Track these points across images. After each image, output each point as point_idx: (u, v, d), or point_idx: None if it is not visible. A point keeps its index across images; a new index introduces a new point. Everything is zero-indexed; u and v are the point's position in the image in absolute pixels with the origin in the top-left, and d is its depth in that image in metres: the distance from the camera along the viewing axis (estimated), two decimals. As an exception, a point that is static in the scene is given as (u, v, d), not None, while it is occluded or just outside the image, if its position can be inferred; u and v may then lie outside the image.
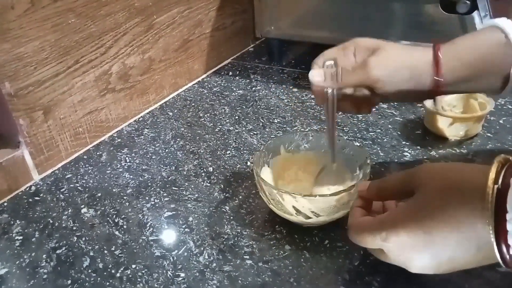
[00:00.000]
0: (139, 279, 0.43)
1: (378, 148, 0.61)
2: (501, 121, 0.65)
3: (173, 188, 0.56)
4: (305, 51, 0.98)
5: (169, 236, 0.49)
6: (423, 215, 0.32)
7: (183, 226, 0.50)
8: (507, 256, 0.29)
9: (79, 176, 0.60)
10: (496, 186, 0.29)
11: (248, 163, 0.60)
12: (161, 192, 0.56)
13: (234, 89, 0.82)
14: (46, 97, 0.60)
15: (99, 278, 0.44)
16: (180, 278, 0.43)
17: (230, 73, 0.90)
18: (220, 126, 0.70)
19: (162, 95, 0.80)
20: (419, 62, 0.42)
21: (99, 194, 0.56)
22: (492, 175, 0.29)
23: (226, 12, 0.92)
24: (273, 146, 0.53)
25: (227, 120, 0.72)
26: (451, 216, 0.31)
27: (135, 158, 0.63)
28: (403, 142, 0.62)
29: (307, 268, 0.43)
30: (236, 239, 0.47)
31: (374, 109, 0.68)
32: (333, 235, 0.47)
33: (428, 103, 0.62)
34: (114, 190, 0.57)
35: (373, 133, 0.65)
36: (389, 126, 0.66)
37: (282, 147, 0.54)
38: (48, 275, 0.45)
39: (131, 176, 0.59)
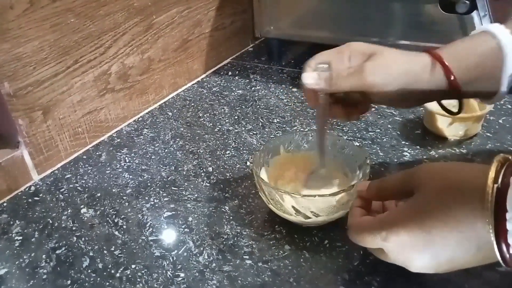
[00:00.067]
0: (138, 279, 0.43)
1: (378, 148, 0.61)
2: (500, 121, 0.65)
3: (173, 188, 0.56)
4: (304, 51, 0.98)
5: (168, 236, 0.49)
6: (423, 215, 0.32)
7: (183, 226, 0.50)
8: (507, 255, 0.29)
9: (78, 176, 0.60)
10: (495, 186, 0.29)
11: (248, 163, 0.60)
12: (161, 192, 0.56)
13: (234, 89, 0.82)
14: (45, 97, 0.59)
15: (98, 278, 0.44)
16: (180, 278, 0.43)
17: (230, 73, 0.90)
18: (219, 126, 0.70)
19: (161, 95, 0.80)
20: (415, 69, 0.42)
21: (99, 194, 0.56)
22: (491, 174, 0.29)
23: (226, 12, 0.92)
24: (273, 146, 0.53)
25: (227, 120, 0.72)
26: (450, 216, 0.31)
27: (134, 158, 0.63)
28: (403, 142, 0.62)
29: (306, 268, 0.43)
30: (235, 239, 0.47)
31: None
32: (333, 235, 0.47)
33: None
34: (113, 190, 0.57)
35: (372, 133, 0.65)
36: (389, 126, 0.66)
37: (281, 147, 0.54)
38: (48, 275, 0.45)
39: (130, 176, 0.59)
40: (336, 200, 0.44)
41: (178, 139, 0.67)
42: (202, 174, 0.59)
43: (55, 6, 0.57)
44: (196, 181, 0.57)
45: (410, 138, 0.63)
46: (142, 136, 0.69)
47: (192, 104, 0.78)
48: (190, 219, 0.51)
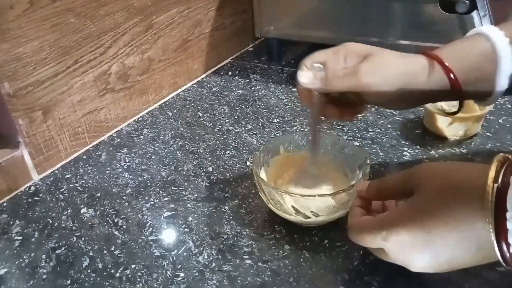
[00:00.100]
0: (138, 279, 0.43)
1: (378, 148, 0.61)
2: (500, 121, 0.65)
3: (173, 188, 0.56)
4: (304, 51, 0.98)
5: (168, 236, 0.49)
6: (423, 214, 0.32)
7: (183, 226, 0.50)
8: (507, 255, 0.29)
9: (78, 176, 0.60)
10: (496, 185, 0.29)
11: (248, 163, 0.60)
12: (161, 192, 0.56)
13: (234, 89, 0.82)
14: (45, 97, 0.60)
15: (98, 278, 0.44)
16: (180, 278, 0.43)
17: (230, 73, 0.90)
18: (219, 126, 0.70)
19: (161, 95, 0.80)
20: (410, 71, 0.42)
21: (99, 194, 0.56)
22: (491, 174, 0.29)
23: (226, 12, 0.92)
24: (273, 146, 0.53)
25: (227, 120, 0.72)
26: (451, 216, 0.31)
27: (134, 158, 0.63)
28: (403, 142, 0.62)
29: (306, 268, 0.43)
30: (235, 239, 0.47)
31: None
32: (333, 235, 0.47)
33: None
34: (113, 190, 0.57)
35: (372, 132, 0.65)
36: (389, 125, 0.66)
37: (281, 147, 0.54)
38: (48, 275, 0.45)
39: (130, 176, 0.59)
40: (335, 200, 0.44)
41: (178, 139, 0.67)
42: (202, 174, 0.59)
43: (55, 6, 0.57)
44: (196, 181, 0.57)
45: (410, 138, 0.63)
46: (142, 136, 0.69)
47: (192, 104, 0.78)
48: (190, 219, 0.51)
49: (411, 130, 0.65)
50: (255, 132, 0.68)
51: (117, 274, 0.44)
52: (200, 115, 0.74)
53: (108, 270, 0.45)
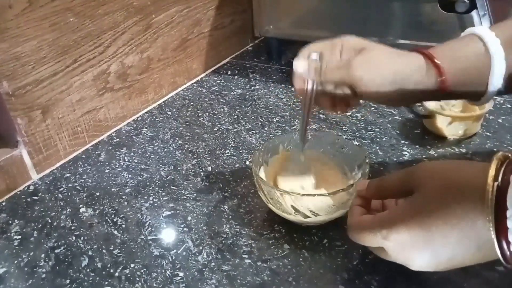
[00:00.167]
0: (137, 279, 0.43)
1: (377, 147, 0.61)
2: (500, 120, 0.65)
3: (172, 187, 0.56)
4: (304, 51, 0.98)
5: (167, 235, 0.49)
6: (423, 213, 0.32)
7: (182, 226, 0.50)
8: (508, 253, 0.29)
9: (77, 176, 0.60)
10: (496, 184, 0.29)
11: (247, 162, 0.60)
12: (160, 191, 0.56)
13: (233, 88, 0.82)
14: (44, 96, 0.59)
15: (97, 278, 0.44)
16: (179, 278, 0.43)
17: (229, 72, 0.90)
18: (219, 125, 0.70)
19: (160, 94, 0.80)
20: (403, 66, 0.42)
21: (98, 194, 0.56)
22: (492, 172, 0.29)
23: (225, 11, 0.92)
24: (272, 145, 0.53)
25: (226, 119, 0.71)
26: (451, 214, 0.31)
27: (133, 158, 0.63)
28: (402, 141, 0.62)
29: (306, 268, 0.43)
30: (235, 238, 0.47)
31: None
32: (332, 234, 0.47)
33: (427, 102, 0.62)
34: (112, 189, 0.57)
35: (372, 132, 0.65)
36: (388, 125, 0.66)
37: (280, 146, 0.54)
38: (47, 275, 0.44)
39: (129, 176, 0.59)
40: (335, 199, 0.44)
41: (177, 139, 0.67)
42: (201, 173, 0.59)
43: (54, 5, 0.57)
44: (195, 181, 0.57)
45: (409, 137, 0.63)
46: (141, 136, 0.69)
47: (192, 103, 0.78)
48: (189, 218, 0.51)
49: (411, 129, 0.65)
50: (254, 132, 0.68)
51: (116, 274, 0.44)
52: (200, 114, 0.74)
53: (107, 269, 0.44)
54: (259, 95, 0.79)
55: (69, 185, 0.58)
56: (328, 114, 0.70)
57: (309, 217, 0.45)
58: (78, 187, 0.58)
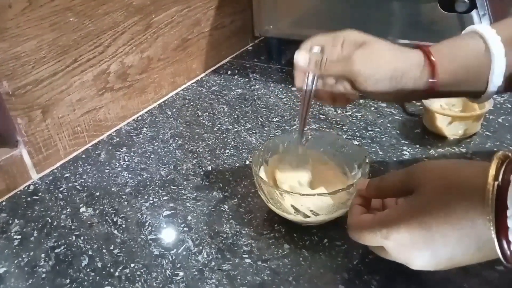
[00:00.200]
0: (137, 278, 0.43)
1: (377, 147, 0.61)
2: (500, 120, 0.65)
3: (172, 187, 0.56)
4: (304, 50, 0.98)
5: (168, 235, 0.49)
6: (423, 213, 0.32)
7: (182, 225, 0.50)
8: (508, 252, 0.29)
9: (77, 175, 0.60)
10: (496, 183, 0.29)
11: (247, 162, 0.60)
12: (160, 191, 0.56)
13: (233, 88, 0.82)
14: (44, 96, 0.59)
15: (97, 277, 0.44)
16: (179, 277, 0.43)
17: (229, 72, 0.90)
18: (219, 125, 0.70)
19: (160, 94, 0.80)
20: (403, 63, 0.42)
21: (98, 193, 0.56)
22: (492, 171, 0.29)
23: (225, 11, 0.92)
24: (272, 145, 0.53)
25: (226, 119, 0.71)
26: (451, 214, 0.31)
27: (133, 157, 0.63)
28: (402, 141, 0.62)
29: (306, 267, 0.43)
30: (235, 238, 0.47)
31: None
32: (332, 234, 0.47)
33: (426, 101, 0.62)
34: (112, 189, 0.57)
35: (372, 132, 0.65)
36: (388, 125, 0.66)
37: (280, 146, 0.54)
38: (47, 274, 0.44)
39: (129, 175, 0.59)
40: (335, 199, 0.44)
41: (177, 138, 0.67)
42: (201, 173, 0.59)
43: (54, 5, 0.57)
44: (195, 180, 0.57)
45: (409, 137, 0.63)
46: (141, 135, 0.69)
47: (192, 103, 0.78)
48: (189, 218, 0.51)
49: (411, 129, 0.65)
50: (254, 131, 0.68)
51: (116, 273, 0.44)
52: (200, 114, 0.74)
53: (107, 269, 0.44)
54: (259, 94, 0.79)
55: (69, 184, 0.58)
56: (328, 114, 0.70)
57: (309, 216, 0.45)
58: (78, 186, 0.58)
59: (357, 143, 0.62)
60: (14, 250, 0.48)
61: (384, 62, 0.42)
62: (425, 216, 0.32)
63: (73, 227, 0.51)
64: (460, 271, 0.39)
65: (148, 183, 0.57)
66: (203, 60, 0.89)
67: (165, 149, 0.65)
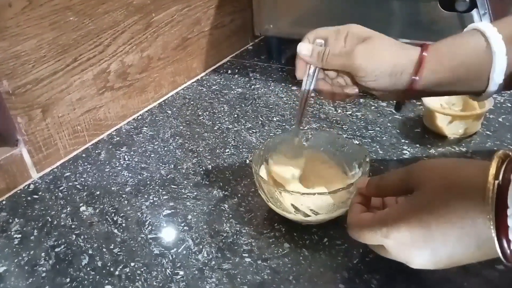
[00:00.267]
0: (138, 277, 0.43)
1: (378, 146, 0.61)
2: (500, 119, 0.65)
3: (172, 186, 0.56)
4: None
5: (168, 234, 0.49)
6: (423, 212, 0.32)
7: (182, 224, 0.50)
8: (508, 251, 0.29)
9: (77, 175, 0.60)
10: (496, 182, 0.29)
11: (247, 161, 0.60)
12: (160, 190, 0.56)
13: (233, 87, 0.82)
14: (44, 95, 0.59)
15: (97, 276, 0.44)
16: (179, 276, 0.43)
17: (229, 71, 0.89)
18: (219, 125, 0.70)
19: (160, 93, 0.80)
20: (403, 60, 0.42)
21: (98, 193, 0.56)
22: (492, 170, 0.29)
23: (225, 10, 0.92)
24: (272, 144, 0.53)
25: (226, 119, 0.71)
26: (451, 213, 0.30)
27: (133, 156, 0.63)
28: (402, 140, 0.62)
29: (306, 266, 0.43)
30: (235, 237, 0.47)
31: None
32: (332, 233, 0.47)
33: (427, 100, 0.62)
34: (112, 188, 0.57)
35: (372, 131, 0.65)
36: (388, 124, 0.66)
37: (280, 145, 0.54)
38: (47, 273, 0.44)
39: (130, 175, 0.59)
40: (335, 198, 0.44)
41: (177, 138, 0.67)
42: (202, 172, 0.59)
43: (53, 4, 0.57)
44: (196, 179, 0.57)
45: (409, 136, 0.63)
46: (141, 135, 0.69)
47: (192, 102, 0.78)
48: (189, 217, 0.51)
49: (411, 128, 0.65)
50: (254, 131, 0.68)
51: (117, 272, 0.44)
52: (200, 113, 0.74)
53: (108, 268, 0.44)
54: (259, 94, 0.79)
55: (69, 184, 0.58)
56: (328, 113, 0.70)
57: (309, 216, 0.45)
58: (78, 186, 0.58)
59: (357, 142, 0.62)
60: (14, 249, 0.48)
61: (385, 58, 0.42)
62: (425, 215, 0.32)
63: (73, 226, 0.51)
64: (460, 270, 0.39)
65: (148, 182, 0.57)
66: (203, 59, 0.89)
67: (165, 148, 0.65)
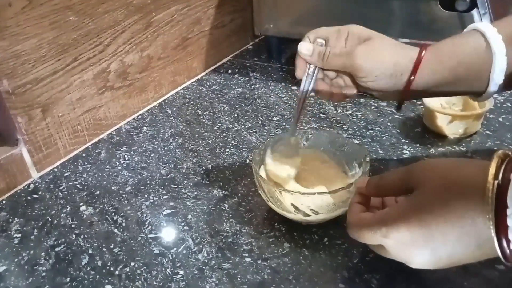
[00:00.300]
0: (138, 277, 0.43)
1: (378, 146, 0.61)
2: (500, 119, 0.65)
3: (172, 186, 0.56)
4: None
5: (168, 234, 0.49)
6: (423, 211, 0.32)
7: (182, 224, 0.50)
8: (508, 251, 0.29)
9: (77, 174, 0.60)
10: (496, 182, 0.29)
11: (247, 161, 0.60)
12: (160, 190, 0.56)
13: (233, 87, 0.82)
14: (44, 94, 0.59)
15: (97, 276, 0.44)
16: (179, 276, 0.43)
17: (229, 71, 0.89)
18: (219, 124, 0.70)
19: (161, 93, 0.80)
20: (403, 61, 0.42)
21: (98, 192, 0.56)
22: (492, 170, 0.29)
23: (225, 10, 0.92)
24: (272, 144, 0.53)
25: (226, 118, 0.71)
26: (451, 212, 0.31)
27: (133, 156, 0.63)
28: (403, 140, 0.62)
29: (306, 266, 0.43)
30: (235, 236, 0.47)
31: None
32: (332, 233, 0.47)
33: (427, 100, 0.62)
34: (113, 188, 0.57)
35: (372, 131, 0.65)
36: (389, 124, 0.66)
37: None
38: (47, 273, 0.44)
39: (130, 174, 0.59)
40: (335, 198, 0.44)
41: (177, 137, 0.67)
42: (202, 172, 0.59)
43: (54, 3, 0.57)
44: (196, 179, 0.57)
45: (410, 136, 0.63)
46: (141, 134, 0.69)
47: (192, 102, 0.78)
48: (189, 216, 0.51)
49: (411, 128, 0.65)
50: (254, 130, 0.68)
51: (117, 272, 0.44)
52: (200, 113, 0.74)
53: (108, 267, 0.44)
54: (259, 93, 0.79)
55: (69, 183, 0.58)
56: (328, 113, 0.70)
57: (309, 215, 0.45)
58: (78, 185, 0.58)
59: (357, 142, 0.62)
60: (14, 249, 0.48)
61: (385, 59, 0.42)
62: (425, 215, 0.32)
63: (73, 226, 0.51)
64: (460, 270, 0.39)
65: (148, 182, 0.57)
66: (203, 59, 0.89)
67: (165, 148, 0.65)
